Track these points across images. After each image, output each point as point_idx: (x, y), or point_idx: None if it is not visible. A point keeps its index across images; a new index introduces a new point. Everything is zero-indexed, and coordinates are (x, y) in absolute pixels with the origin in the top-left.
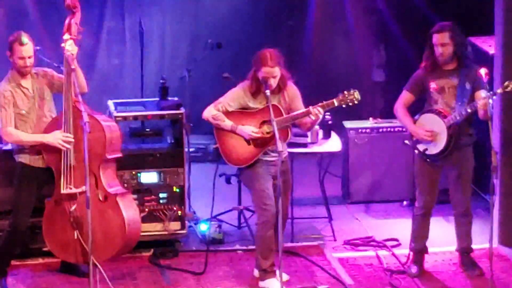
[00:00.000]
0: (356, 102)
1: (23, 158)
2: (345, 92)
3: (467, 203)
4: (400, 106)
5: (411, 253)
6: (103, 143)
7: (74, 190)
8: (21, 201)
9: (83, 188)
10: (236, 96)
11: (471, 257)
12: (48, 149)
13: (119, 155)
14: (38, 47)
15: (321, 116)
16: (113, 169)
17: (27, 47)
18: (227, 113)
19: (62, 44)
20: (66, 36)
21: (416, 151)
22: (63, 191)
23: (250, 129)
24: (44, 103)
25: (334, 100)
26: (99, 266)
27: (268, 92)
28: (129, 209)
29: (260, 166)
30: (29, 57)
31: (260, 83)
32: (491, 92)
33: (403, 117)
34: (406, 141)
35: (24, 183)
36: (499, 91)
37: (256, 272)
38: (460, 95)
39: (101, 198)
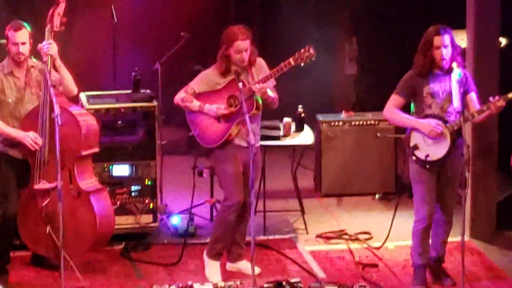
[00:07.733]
0: (313, 58)
1: (3, 148)
2: (301, 49)
3: (452, 210)
4: (393, 109)
5: (413, 269)
6: (79, 140)
7: (47, 186)
8: (6, 188)
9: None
10: (203, 77)
11: (443, 268)
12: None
13: (96, 150)
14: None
15: (268, 85)
16: (89, 164)
17: (20, 33)
18: (196, 95)
19: (39, 45)
20: (48, 28)
21: (413, 158)
22: (36, 186)
23: (215, 106)
24: (34, 98)
25: (291, 59)
26: (70, 262)
27: (239, 84)
28: (102, 206)
29: (230, 148)
30: (22, 43)
31: (229, 62)
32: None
33: (403, 116)
34: (379, 134)
35: (6, 170)
36: (510, 95)
37: (205, 258)
38: (455, 99)
39: (74, 194)
